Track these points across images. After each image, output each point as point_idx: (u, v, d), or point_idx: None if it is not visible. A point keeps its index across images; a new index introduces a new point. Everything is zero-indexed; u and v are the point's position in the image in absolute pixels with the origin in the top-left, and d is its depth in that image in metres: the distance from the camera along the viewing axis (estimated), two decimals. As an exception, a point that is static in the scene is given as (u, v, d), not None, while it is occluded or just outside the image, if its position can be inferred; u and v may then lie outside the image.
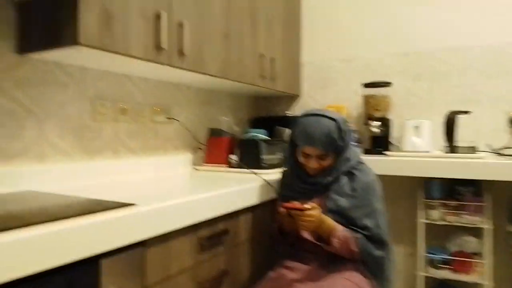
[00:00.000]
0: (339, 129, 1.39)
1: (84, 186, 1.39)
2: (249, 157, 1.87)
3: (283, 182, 1.57)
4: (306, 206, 1.26)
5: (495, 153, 1.93)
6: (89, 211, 0.92)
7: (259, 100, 2.69)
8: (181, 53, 1.52)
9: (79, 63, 1.46)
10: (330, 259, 1.39)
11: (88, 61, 1.43)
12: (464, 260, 1.91)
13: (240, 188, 1.41)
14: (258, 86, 2.09)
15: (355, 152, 1.51)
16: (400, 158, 1.87)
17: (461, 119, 1.95)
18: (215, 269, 1.32)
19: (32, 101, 1.35)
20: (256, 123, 2.49)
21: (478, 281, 1.89)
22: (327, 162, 1.42)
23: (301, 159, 1.45)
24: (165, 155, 1.91)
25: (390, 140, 2.19)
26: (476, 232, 1.96)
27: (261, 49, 2.09)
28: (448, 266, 1.94)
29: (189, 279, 1.20)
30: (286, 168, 1.57)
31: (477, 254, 1.94)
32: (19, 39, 1.30)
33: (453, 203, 1.94)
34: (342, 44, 2.44)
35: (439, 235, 2.08)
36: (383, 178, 1.79)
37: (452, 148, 1.86)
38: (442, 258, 1.95)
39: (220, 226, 1.34)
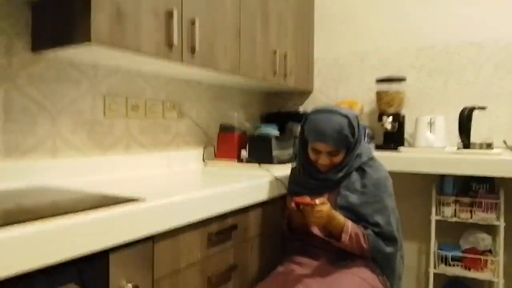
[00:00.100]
0: (351, 125, 1.38)
1: (96, 181, 1.41)
2: (259, 153, 1.87)
3: (293, 178, 1.56)
4: (316, 201, 1.26)
5: (511, 149, 1.89)
6: (99, 206, 0.94)
7: (270, 96, 2.68)
8: (192, 49, 1.53)
9: (91, 60, 1.48)
10: (340, 255, 1.38)
11: (100, 58, 1.45)
12: (476, 257, 1.88)
13: (249, 184, 1.41)
14: (270, 82, 2.09)
15: (367, 148, 1.49)
16: (413, 154, 1.85)
17: (476, 115, 1.91)
18: (223, 264, 1.33)
19: (45, 97, 1.38)
20: (268, 119, 2.49)
21: (490, 279, 1.87)
22: (338, 159, 1.41)
23: (312, 155, 1.44)
24: (176, 151, 1.93)
25: (404, 136, 2.16)
26: (489, 229, 1.93)
27: (273, 45, 2.08)
28: (460, 263, 1.92)
29: (198, 274, 1.22)
30: (297, 164, 1.57)
31: (489, 251, 1.91)
32: (32, 37, 1.32)
33: (467, 200, 1.90)
34: (355, 39, 2.42)
35: (452, 232, 2.05)
36: (396, 174, 1.77)
37: (467, 144, 1.82)
38: (454, 255, 1.92)
39: (229, 221, 1.35)
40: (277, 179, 1.57)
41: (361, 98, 2.36)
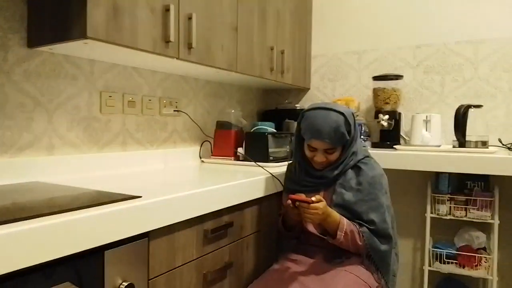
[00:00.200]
0: (347, 123, 1.38)
1: (92, 178, 1.41)
2: (256, 150, 1.87)
3: (289, 176, 1.57)
4: (312, 198, 1.26)
5: (507, 148, 1.90)
6: (94, 203, 0.94)
7: (268, 93, 2.68)
8: (189, 46, 1.52)
9: (88, 56, 1.47)
10: (335, 253, 1.39)
11: (96, 54, 1.45)
12: (471, 255, 1.89)
13: (246, 181, 1.42)
14: (267, 79, 2.09)
15: (362, 146, 1.50)
16: (409, 152, 1.86)
17: (472, 113, 1.91)
18: (219, 261, 1.33)
19: (41, 93, 1.37)
20: (265, 116, 2.50)
21: (484, 276, 1.88)
22: (333, 156, 1.41)
23: (308, 152, 1.44)
24: (173, 148, 1.93)
25: (400, 134, 2.17)
26: (483, 227, 1.95)
27: (270, 41, 2.08)
28: (454, 261, 1.93)
29: (194, 270, 1.22)
30: (293, 162, 1.57)
31: (483, 249, 1.93)
32: (28, 33, 1.32)
33: (462, 197, 1.92)
34: (352, 37, 2.42)
35: (447, 229, 2.06)
36: (392, 172, 1.78)
37: (462, 142, 1.83)
38: (448, 252, 1.94)
39: (225, 218, 1.35)
40: (273, 177, 1.57)
41: (358, 96, 2.37)
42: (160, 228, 1.07)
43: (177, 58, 1.49)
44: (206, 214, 1.24)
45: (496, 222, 1.83)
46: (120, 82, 1.66)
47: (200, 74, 1.95)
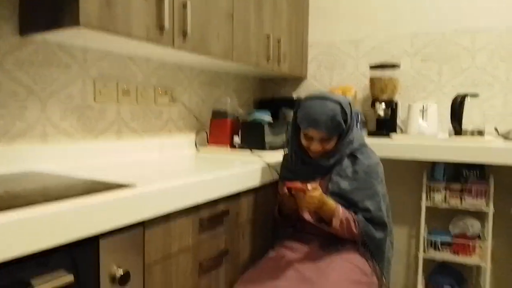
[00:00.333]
0: (344, 112, 1.38)
1: (87, 167, 1.40)
2: (252, 139, 1.87)
3: (286, 164, 1.57)
4: (308, 186, 1.26)
5: (502, 137, 1.90)
6: (89, 192, 0.94)
7: (264, 81, 2.67)
8: (184, 34, 1.50)
9: (81, 44, 1.46)
10: (331, 241, 1.40)
11: (90, 42, 1.43)
12: (465, 243, 1.91)
13: (241, 170, 1.41)
14: (263, 67, 2.07)
15: (358, 135, 1.50)
16: (405, 141, 1.86)
17: (469, 102, 1.91)
18: (215, 249, 1.34)
19: (35, 81, 1.36)
20: (261, 105, 2.48)
21: (478, 263, 1.90)
22: (330, 145, 1.41)
23: (304, 141, 1.44)
24: (168, 137, 1.92)
25: (396, 122, 2.16)
26: (478, 215, 1.96)
27: (266, 29, 2.06)
28: (449, 248, 1.95)
29: (189, 259, 1.22)
30: (289, 150, 1.57)
31: (477, 237, 1.95)
32: (21, 21, 1.29)
33: (457, 186, 1.92)
34: (350, 25, 2.40)
35: (442, 217, 2.08)
36: (388, 160, 1.78)
37: (458, 131, 1.83)
38: (443, 240, 1.95)
39: (221, 207, 1.35)
40: (269, 165, 1.57)
41: (355, 85, 2.36)
42: (156, 216, 1.07)
43: (171, 47, 1.47)
44: (202, 203, 1.24)
45: (491, 210, 1.85)
46: (114, 71, 1.64)
47: (195, 63, 1.93)
